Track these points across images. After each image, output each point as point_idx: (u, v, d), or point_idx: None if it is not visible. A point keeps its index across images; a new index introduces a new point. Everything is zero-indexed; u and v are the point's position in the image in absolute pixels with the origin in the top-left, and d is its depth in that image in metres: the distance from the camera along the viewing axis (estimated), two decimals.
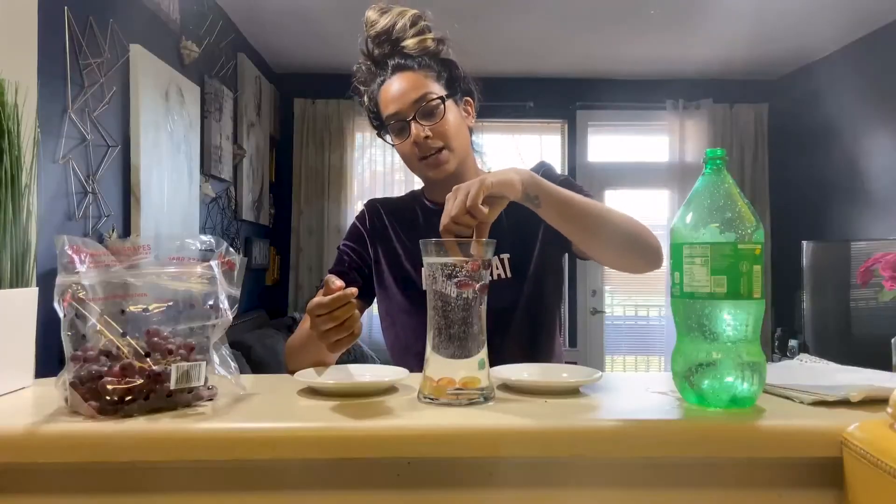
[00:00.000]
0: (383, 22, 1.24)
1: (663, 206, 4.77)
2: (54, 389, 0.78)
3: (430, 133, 1.20)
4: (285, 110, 4.64)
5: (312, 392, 0.88)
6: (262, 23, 3.76)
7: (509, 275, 1.24)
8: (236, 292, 0.86)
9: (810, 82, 4.37)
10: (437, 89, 1.23)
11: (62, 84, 2.02)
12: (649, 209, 4.94)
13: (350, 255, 1.31)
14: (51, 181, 1.97)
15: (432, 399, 0.82)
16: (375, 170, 4.69)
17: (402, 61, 1.23)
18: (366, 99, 1.30)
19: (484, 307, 0.84)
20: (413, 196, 1.39)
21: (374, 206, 1.36)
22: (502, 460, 0.74)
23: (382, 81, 1.25)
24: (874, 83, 3.80)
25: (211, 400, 0.81)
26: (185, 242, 0.86)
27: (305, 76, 4.66)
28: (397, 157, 5.05)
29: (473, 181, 0.95)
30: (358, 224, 1.34)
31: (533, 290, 1.25)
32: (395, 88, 1.22)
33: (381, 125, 1.29)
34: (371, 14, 1.26)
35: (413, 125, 1.20)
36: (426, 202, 1.34)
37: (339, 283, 0.92)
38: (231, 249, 0.87)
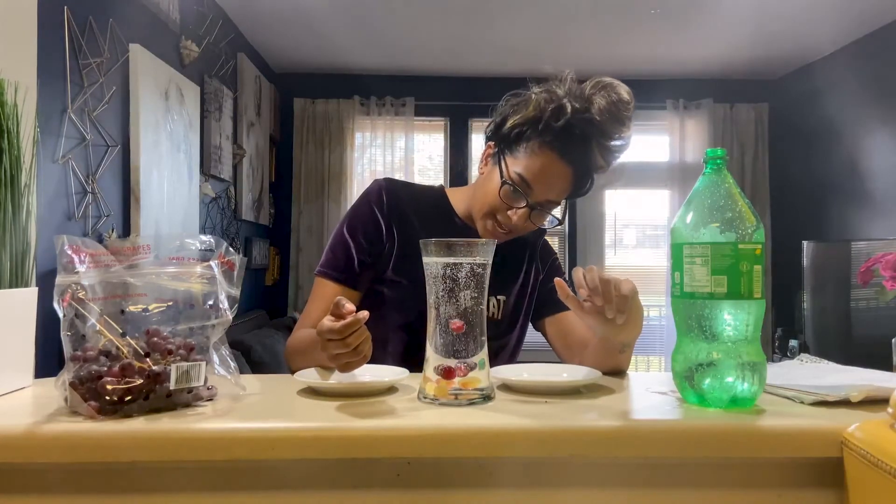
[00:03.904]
0: (608, 124, 1.11)
1: (663, 206, 4.77)
2: (54, 389, 0.78)
3: (524, 224, 1.16)
4: (285, 110, 4.64)
5: (312, 392, 0.88)
6: (262, 23, 3.75)
7: (500, 318, 1.25)
8: (236, 292, 0.86)
9: (810, 82, 4.37)
10: (565, 197, 1.18)
11: (62, 84, 2.02)
12: (649, 209, 4.94)
13: (362, 244, 1.20)
14: (50, 181, 1.97)
15: (432, 399, 0.82)
16: (375, 169, 4.69)
17: (578, 157, 1.13)
18: (524, 106, 1.16)
19: (484, 308, 0.84)
20: (437, 195, 1.30)
21: (394, 191, 1.24)
22: (502, 460, 0.74)
23: (550, 146, 1.12)
24: (874, 83, 3.80)
25: (211, 400, 0.81)
26: (184, 242, 0.86)
27: (305, 76, 4.66)
28: (397, 157, 4.98)
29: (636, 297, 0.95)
30: (374, 208, 1.22)
31: (515, 336, 1.28)
32: (550, 173, 1.13)
33: (507, 146, 1.17)
34: (615, 114, 1.11)
35: (524, 211, 1.15)
36: (455, 217, 1.27)
37: (349, 306, 0.88)
38: (231, 249, 0.87)
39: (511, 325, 1.28)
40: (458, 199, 1.29)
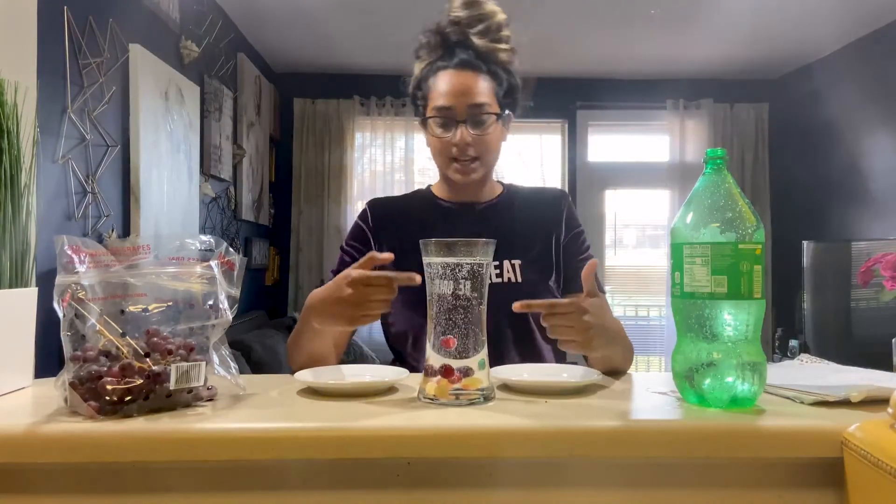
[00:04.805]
0: (468, 12, 1.21)
1: (663, 206, 4.76)
2: (54, 389, 0.78)
3: (471, 141, 1.19)
4: (285, 110, 4.64)
5: (312, 392, 0.88)
6: (262, 23, 3.75)
7: (520, 280, 1.24)
8: (236, 292, 0.86)
9: (810, 82, 4.37)
10: (493, 100, 1.21)
11: (62, 84, 2.02)
12: (649, 209, 4.94)
13: (354, 255, 1.27)
14: (50, 181, 1.97)
15: (432, 399, 0.82)
16: (375, 169, 4.69)
17: (472, 59, 1.20)
18: (415, 69, 1.27)
19: (484, 307, 0.84)
20: (421, 195, 1.37)
21: (377, 205, 1.34)
22: (502, 460, 0.74)
23: (443, 67, 1.21)
24: (874, 83, 3.80)
25: (211, 400, 0.81)
26: (184, 242, 0.86)
27: (305, 76, 4.65)
28: (397, 157, 4.99)
29: (598, 304, 0.99)
30: (361, 223, 1.32)
31: (542, 297, 1.24)
32: (455, 84, 1.19)
33: (422, 105, 1.26)
34: (470, 2, 1.22)
35: (461, 128, 1.19)
36: (438, 201, 1.33)
37: (385, 255, 0.95)
38: (231, 249, 0.87)
39: (535, 287, 1.25)
40: (439, 185, 1.35)
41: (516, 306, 0.95)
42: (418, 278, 0.92)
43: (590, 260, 1.08)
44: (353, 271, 0.96)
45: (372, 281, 0.94)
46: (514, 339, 1.21)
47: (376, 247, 1.29)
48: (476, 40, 1.21)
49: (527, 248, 1.26)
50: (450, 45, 1.23)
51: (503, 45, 1.23)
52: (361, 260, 0.99)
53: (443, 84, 1.20)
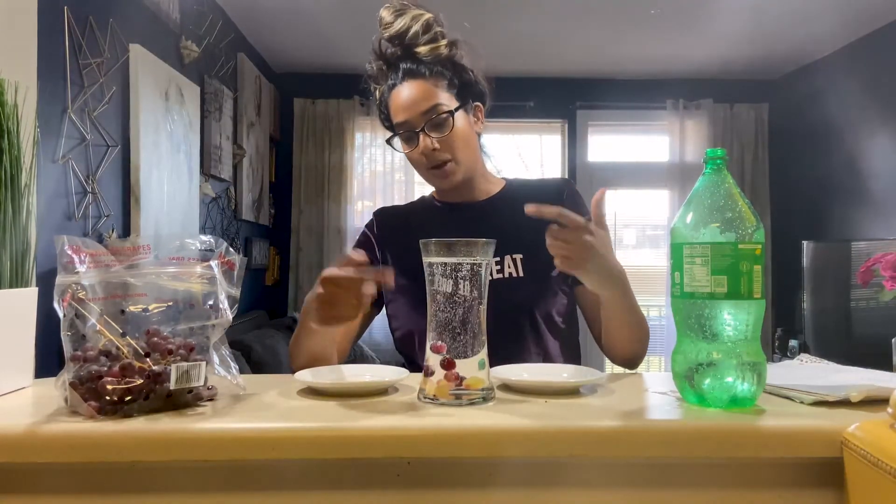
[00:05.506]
0: (397, 25, 1.22)
1: (663, 206, 4.77)
2: (54, 389, 0.78)
3: (437, 145, 1.20)
4: (285, 110, 4.64)
5: (312, 392, 0.88)
6: (262, 23, 3.75)
7: (521, 274, 1.24)
8: (236, 292, 0.86)
9: (810, 82, 4.37)
10: (448, 98, 1.22)
11: (62, 84, 2.02)
12: (649, 209, 4.94)
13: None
14: (50, 181, 1.97)
15: (432, 399, 0.82)
16: (375, 169, 4.69)
17: (414, 67, 1.22)
18: (377, 96, 1.30)
19: (484, 307, 0.84)
20: (423, 200, 1.40)
21: (383, 214, 1.38)
22: (502, 460, 0.74)
23: (393, 85, 1.24)
24: (874, 83, 3.80)
25: (211, 400, 0.81)
26: (184, 242, 0.86)
27: (305, 76, 4.66)
28: (398, 157, 5.00)
29: (602, 234, 1.05)
30: (367, 231, 1.35)
31: (546, 291, 1.24)
32: (405, 96, 1.21)
33: (390, 126, 1.28)
34: (385, 14, 1.24)
35: (422, 136, 1.20)
36: (437, 203, 1.35)
37: (359, 257, 0.93)
38: (231, 249, 0.87)
39: (538, 281, 1.24)
40: (438, 190, 1.37)
41: (529, 209, 0.95)
42: (390, 279, 0.94)
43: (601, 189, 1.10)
44: (327, 270, 0.95)
45: (340, 282, 0.92)
46: (518, 334, 1.20)
47: (381, 254, 1.31)
48: (414, 49, 1.23)
49: (528, 242, 1.24)
50: (392, 63, 1.25)
51: (441, 42, 1.24)
52: (339, 259, 0.98)
53: (395, 101, 1.23)
